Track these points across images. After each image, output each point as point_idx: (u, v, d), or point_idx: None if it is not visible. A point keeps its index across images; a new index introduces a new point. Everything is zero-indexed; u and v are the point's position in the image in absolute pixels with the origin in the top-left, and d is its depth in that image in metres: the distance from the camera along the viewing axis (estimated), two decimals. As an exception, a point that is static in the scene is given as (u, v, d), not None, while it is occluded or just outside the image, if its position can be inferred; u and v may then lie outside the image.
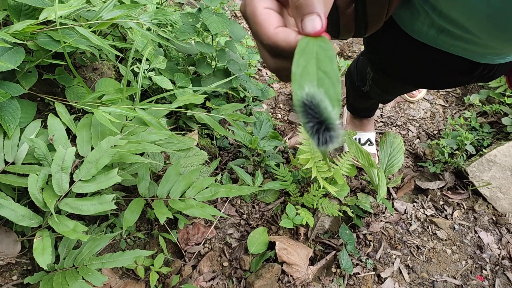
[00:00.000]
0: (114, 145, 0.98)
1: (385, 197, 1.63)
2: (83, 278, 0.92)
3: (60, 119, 1.06)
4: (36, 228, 1.01)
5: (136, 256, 0.98)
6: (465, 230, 1.52)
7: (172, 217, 1.06)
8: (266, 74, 2.47)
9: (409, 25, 0.86)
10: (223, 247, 1.33)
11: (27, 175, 0.95)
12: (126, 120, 1.23)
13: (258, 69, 2.57)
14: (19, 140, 1.03)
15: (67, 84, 1.25)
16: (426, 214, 1.56)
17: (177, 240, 1.30)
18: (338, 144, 0.33)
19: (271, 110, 2.01)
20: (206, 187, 1.13)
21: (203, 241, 1.32)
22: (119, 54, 1.41)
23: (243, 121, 1.85)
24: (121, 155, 0.99)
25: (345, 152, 1.53)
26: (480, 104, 1.88)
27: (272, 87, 2.26)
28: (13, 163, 1.00)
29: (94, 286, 0.92)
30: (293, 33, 0.38)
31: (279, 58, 0.41)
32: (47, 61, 1.10)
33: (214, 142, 1.75)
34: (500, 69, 0.91)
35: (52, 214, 0.87)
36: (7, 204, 0.88)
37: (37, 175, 0.91)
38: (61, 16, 1.08)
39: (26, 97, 1.18)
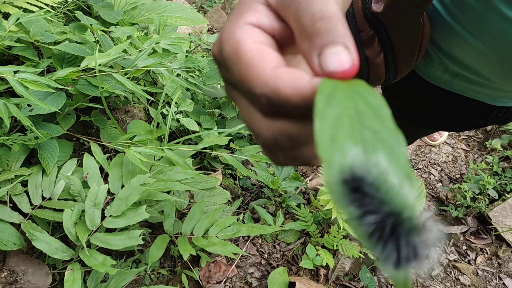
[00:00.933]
0: (143, 183, 1.04)
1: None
2: (109, 311, 0.95)
3: (95, 158, 1.14)
4: (67, 261, 1.07)
5: (159, 291, 1.02)
6: (489, 276, 1.49)
7: (195, 254, 1.10)
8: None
9: (425, 71, 0.91)
10: (243, 286, 1.35)
11: (62, 210, 1.01)
12: (154, 159, 1.30)
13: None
14: (56, 177, 1.10)
15: (102, 126, 1.34)
16: (448, 259, 1.54)
17: (199, 277, 1.33)
18: (431, 261, 0.18)
19: (293, 151, 2.06)
20: (229, 226, 1.17)
21: (224, 279, 1.35)
22: (150, 98, 1.50)
23: (266, 162, 1.90)
24: (149, 192, 1.05)
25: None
26: (501, 149, 1.88)
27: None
28: (49, 198, 1.07)
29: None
30: (306, 75, 0.25)
31: (279, 119, 0.26)
32: (85, 104, 1.20)
33: (237, 182, 1.80)
34: None
35: (83, 247, 0.93)
36: (42, 237, 0.94)
37: (72, 210, 0.98)
38: (100, 64, 1.18)
39: (63, 137, 1.27)
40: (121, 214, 0.99)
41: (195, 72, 2.13)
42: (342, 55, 0.24)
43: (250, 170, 1.86)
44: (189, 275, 1.33)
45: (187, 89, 2.02)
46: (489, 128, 2.05)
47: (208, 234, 1.15)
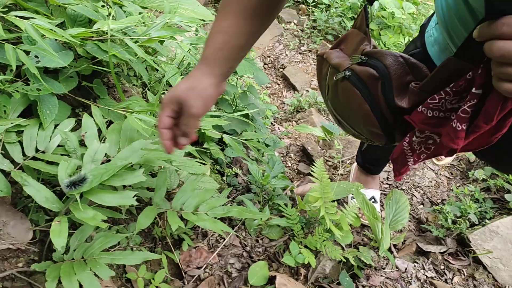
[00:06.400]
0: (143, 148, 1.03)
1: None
2: (91, 270, 0.92)
3: (94, 120, 1.12)
4: (50, 220, 1.04)
5: (144, 257, 0.99)
6: (465, 296, 1.51)
7: (183, 226, 1.08)
8: (278, 129, 2.56)
9: None
10: (223, 275, 1.33)
11: (55, 164, 0.99)
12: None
13: (271, 123, 2.67)
14: (52, 133, 1.08)
15: (102, 95, 1.33)
16: (426, 276, 1.55)
17: (179, 261, 1.30)
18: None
19: (282, 158, 2.07)
20: (220, 206, 1.16)
21: (205, 265, 1.32)
22: (156, 66, 1.49)
23: (256, 160, 1.90)
24: (147, 158, 1.04)
25: (352, 200, 1.56)
26: (484, 177, 1.94)
27: (283, 141, 2.34)
28: (43, 152, 1.04)
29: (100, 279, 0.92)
30: (169, 142, 0.85)
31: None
32: (92, 67, 1.19)
33: (224, 178, 1.80)
34: None
35: (76, 200, 0.90)
36: (34, 184, 0.91)
37: (68, 162, 0.96)
38: (112, 29, 1.18)
39: (63, 100, 1.25)
40: (117, 174, 0.97)
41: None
42: (184, 142, 0.87)
43: (240, 168, 1.86)
44: (169, 258, 1.30)
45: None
46: (472, 159, 2.11)
47: (198, 211, 1.13)
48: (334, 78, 0.88)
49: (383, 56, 0.78)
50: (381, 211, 1.85)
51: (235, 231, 1.46)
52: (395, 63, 0.76)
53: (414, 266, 1.58)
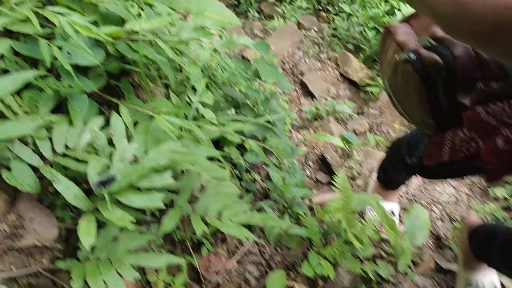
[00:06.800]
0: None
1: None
2: (116, 271, 0.92)
3: (122, 119, 1.12)
4: (75, 218, 1.04)
5: (168, 261, 0.99)
6: (484, 316, 1.47)
7: (208, 231, 1.07)
8: (296, 136, 2.55)
9: None
10: (241, 282, 1.31)
11: (83, 162, 0.99)
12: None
13: (289, 130, 2.65)
14: (81, 130, 1.08)
15: (128, 95, 1.33)
16: (446, 294, 1.53)
17: (198, 265, 1.29)
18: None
19: (300, 166, 2.06)
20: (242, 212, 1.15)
21: (224, 271, 1.31)
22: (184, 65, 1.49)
23: (275, 165, 1.89)
24: (174, 160, 1.03)
25: (372, 213, 1.54)
26: (506, 196, 1.90)
27: (301, 148, 2.32)
28: (70, 149, 1.04)
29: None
30: None
31: None
32: (122, 66, 1.19)
33: (242, 184, 1.78)
34: None
35: (104, 199, 0.90)
36: (63, 180, 0.91)
37: (97, 161, 0.95)
38: (143, 29, 1.18)
39: (90, 98, 1.26)
40: (145, 175, 0.96)
41: (217, 70, 2.14)
42: None
43: (258, 174, 1.85)
44: (188, 262, 1.29)
45: (207, 87, 2.03)
46: (493, 177, 2.08)
47: (221, 216, 1.12)
48: (396, 57, 0.81)
49: (453, 45, 0.72)
50: (399, 225, 1.83)
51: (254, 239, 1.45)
52: (465, 55, 0.71)
53: (433, 283, 1.55)
